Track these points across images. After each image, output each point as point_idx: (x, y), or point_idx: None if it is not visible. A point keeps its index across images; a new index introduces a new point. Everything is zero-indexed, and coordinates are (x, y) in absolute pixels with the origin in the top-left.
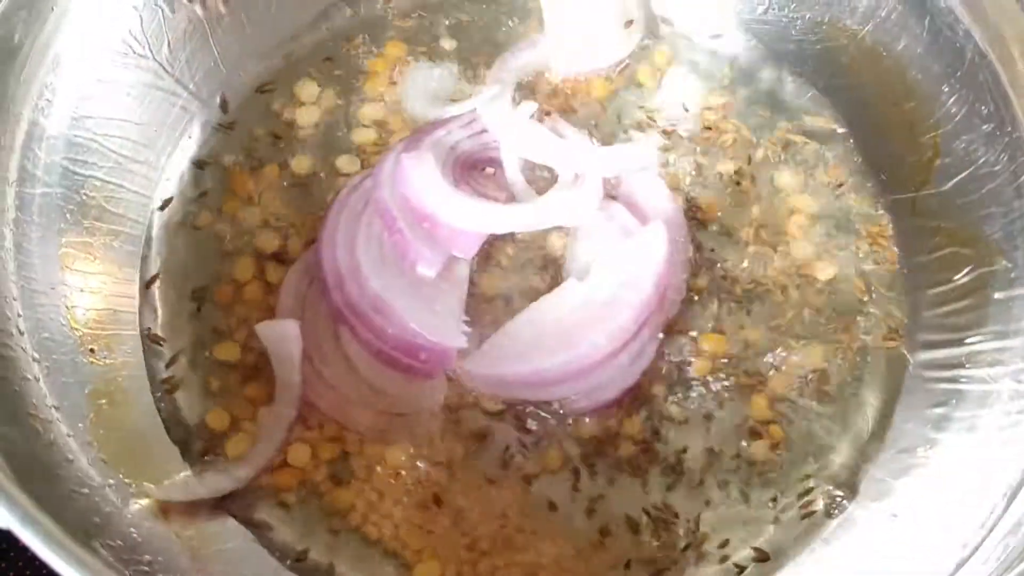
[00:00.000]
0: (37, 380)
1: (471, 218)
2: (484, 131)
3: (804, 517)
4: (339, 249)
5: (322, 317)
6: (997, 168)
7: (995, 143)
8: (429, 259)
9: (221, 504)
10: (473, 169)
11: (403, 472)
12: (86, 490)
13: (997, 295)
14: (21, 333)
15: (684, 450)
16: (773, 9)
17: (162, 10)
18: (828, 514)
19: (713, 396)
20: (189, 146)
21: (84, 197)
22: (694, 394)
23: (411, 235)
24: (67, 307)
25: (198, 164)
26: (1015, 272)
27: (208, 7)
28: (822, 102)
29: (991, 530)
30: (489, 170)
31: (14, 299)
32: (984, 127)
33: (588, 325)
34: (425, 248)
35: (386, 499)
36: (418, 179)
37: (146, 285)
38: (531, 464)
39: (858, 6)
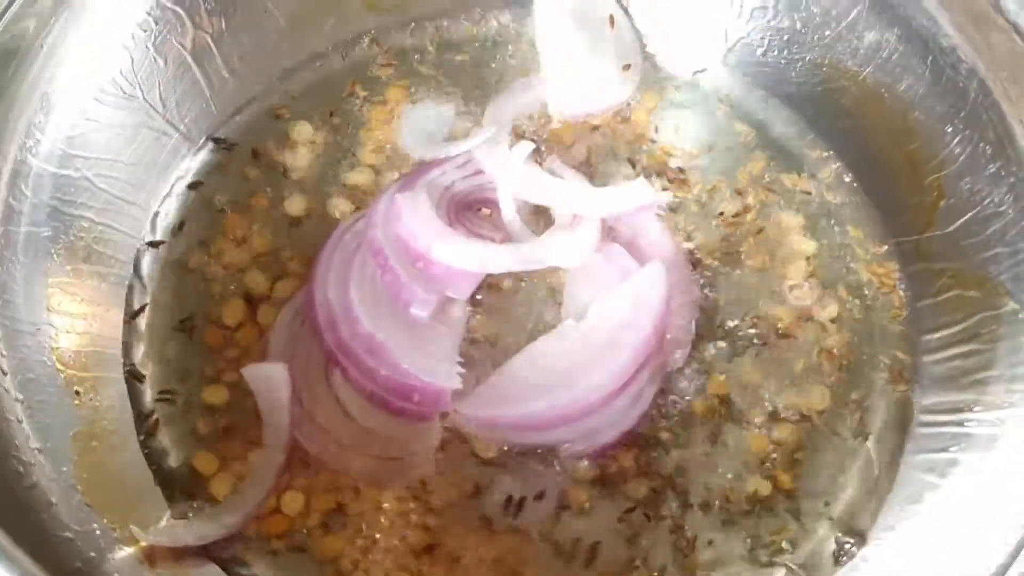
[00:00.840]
0: (20, 421)
1: (465, 257)
2: (480, 172)
3: (812, 564)
4: (331, 289)
5: (314, 359)
6: (1003, 208)
7: (1000, 183)
8: (422, 300)
9: (208, 550)
10: (468, 210)
11: (396, 518)
12: (68, 534)
13: (1005, 338)
14: (4, 373)
15: (686, 495)
16: (772, 52)
17: (152, 51)
18: (836, 561)
19: (715, 440)
20: (180, 187)
21: (72, 237)
22: (696, 438)
23: (405, 275)
24: (52, 348)
25: (189, 205)
26: (1023, 314)
27: (198, 48)
28: (823, 144)
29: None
30: (485, 211)
31: None
32: (989, 167)
33: (586, 366)
34: (419, 288)
35: (378, 545)
36: (412, 217)
37: (133, 326)
38: (528, 509)
39: (859, 47)
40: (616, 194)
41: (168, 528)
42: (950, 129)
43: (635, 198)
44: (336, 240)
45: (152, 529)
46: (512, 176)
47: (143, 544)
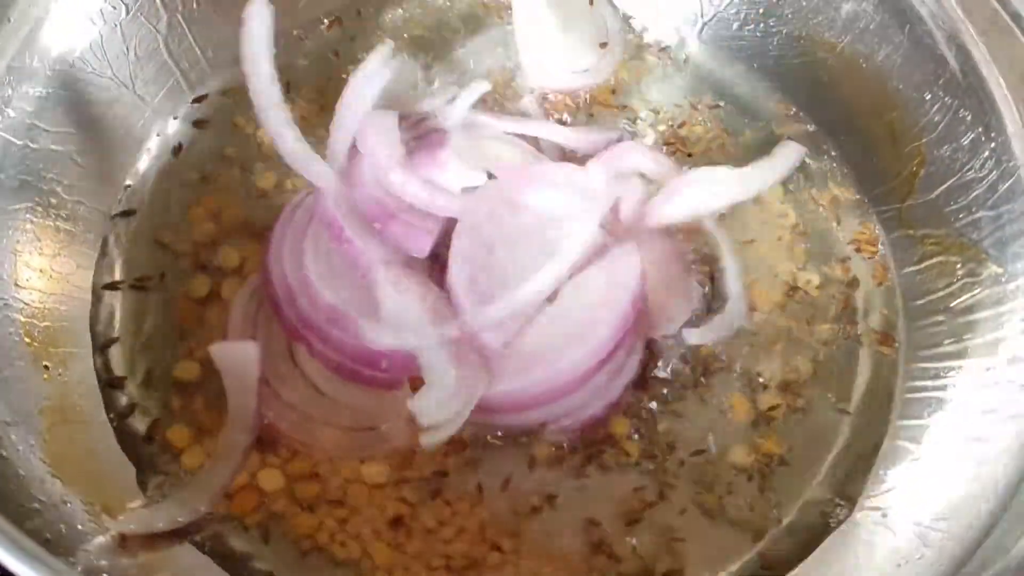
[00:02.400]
0: None
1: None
2: (435, 131)
3: (802, 528)
4: (287, 265)
5: (275, 336)
6: (983, 173)
7: (980, 148)
8: (389, 258)
9: (182, 531)
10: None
11: (372, 489)
12: (36, 505)
13: (988, 301)
14: None
15: (674, 463)
16: (748, 26)
17: (121, 28)
18: (827, 525)
19: (701, 409)
20: (151, 162)
21: (42, 212)
22: (681, 407)
23: (361, 242)
24: (20, 322)
25: (161, 180)
26: (1006, 277)
27: (168, 25)
28: (803, 115)
29: (986, 534)
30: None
31: None
32: (969, 133)
33: (564, 343)
34: (381, 249)
35: (355, 518)
36: (377, 137)
37: (104, 301)
38: (507, 480)
39: (836, 19)
40: (585, 132)
41: (138, 515)
42: (929, 97)
43: (603, 137)
44: (287, 216)
45: (122, 517)
46: (458, 115)
47: (116, 533)
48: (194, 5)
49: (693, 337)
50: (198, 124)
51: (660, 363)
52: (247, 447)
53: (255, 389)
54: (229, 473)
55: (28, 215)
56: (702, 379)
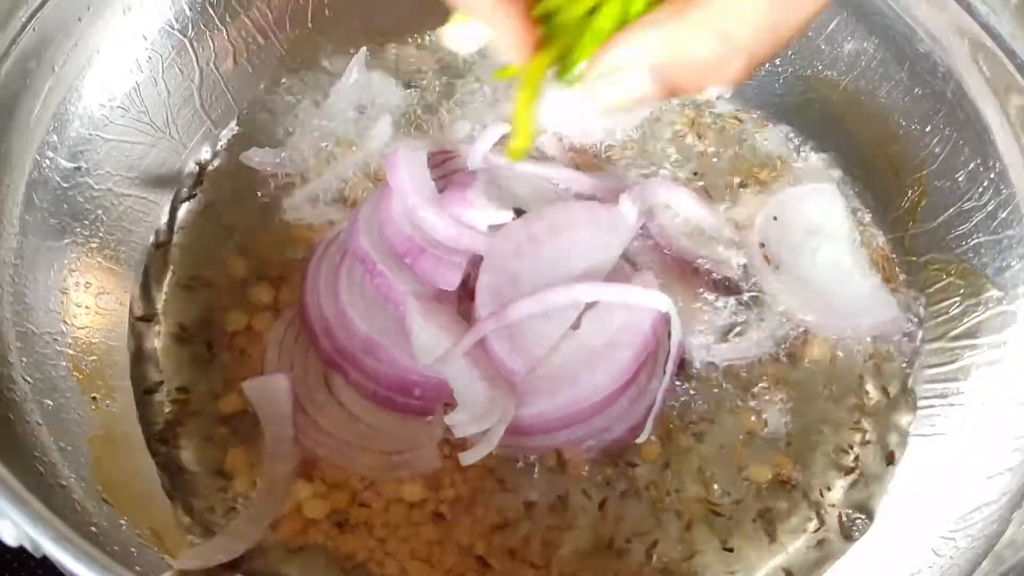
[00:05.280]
0: (40, 425)
1: (448, 227)
2: (457, 171)
3: (821, 543)
4: (323, 299)
5: (312, 367)
6: (983, 202)
7: (979, 178)
8: (419, 291)
9: (234, 562)
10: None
11: (410, 510)
12: (93, 528)
13: (990, 324)
14: (26, 381)
15: (694, 483)
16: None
17: (157, 76)
18: (848, 536)
19: (722, 428)
20: (190, 203)
21: (85, 252)
22: (703, 427)
23: (392, 275)
24: (69, 355)
25: (196, 218)
26: (1007, 300)
27: (201, 72)
28: (807, 151)
29: (993, 543)
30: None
31: (16, 345)
32: (968, 164)
33: (589, 366)
34: (412, 282)
35: (392, 538)
36: (408, 171)
37: (145, 337)
38: (534, 501)
39: (839, 58)
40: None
41: (197, 551)
42: (929, 130)
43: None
44: (321, 252)
45: (183, 555)
46: (478, 156)
47: (177, 570)
48: (226, 53)
49: (714, 358)
50: (232, 166)
51: (682, 385)
52: (289, 474)
53: (290, 419)
54: (277, 501)
55: (74, 254)
56: (723, 399)
